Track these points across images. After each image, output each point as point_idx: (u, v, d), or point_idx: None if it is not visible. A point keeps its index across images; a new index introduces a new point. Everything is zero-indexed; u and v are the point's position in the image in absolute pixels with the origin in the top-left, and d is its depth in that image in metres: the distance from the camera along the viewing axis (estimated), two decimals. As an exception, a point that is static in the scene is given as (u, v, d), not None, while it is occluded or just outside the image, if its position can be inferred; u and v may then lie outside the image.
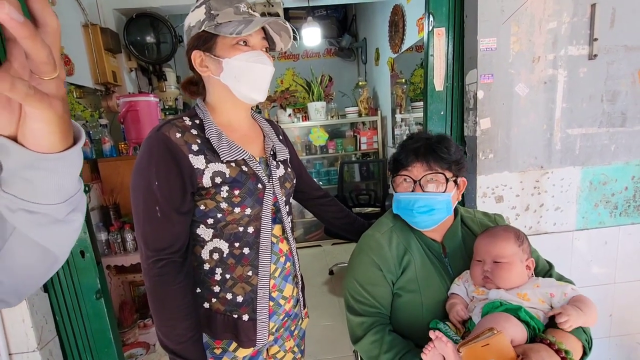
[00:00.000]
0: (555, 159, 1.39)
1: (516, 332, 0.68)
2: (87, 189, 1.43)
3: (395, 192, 0.90)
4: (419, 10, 2.36)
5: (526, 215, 1.43)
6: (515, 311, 0.72)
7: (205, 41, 0.77)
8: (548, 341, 0.68)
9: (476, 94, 1.30)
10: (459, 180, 0.89)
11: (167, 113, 2.78)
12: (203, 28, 0.75)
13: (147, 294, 0.76)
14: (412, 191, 0.85)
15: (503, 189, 1.39)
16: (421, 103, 1.53)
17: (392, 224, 0.94)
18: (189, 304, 0.76)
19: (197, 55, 0.78)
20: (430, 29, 1.34)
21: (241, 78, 0.76)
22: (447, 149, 0.86)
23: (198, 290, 0.82)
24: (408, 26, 2.88)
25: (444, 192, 0.84)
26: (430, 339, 0.73)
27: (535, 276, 0.85)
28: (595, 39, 1.28)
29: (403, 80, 3.20)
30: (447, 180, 0.85)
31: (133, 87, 2.65)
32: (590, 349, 0.76)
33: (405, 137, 0.95)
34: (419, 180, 0.84)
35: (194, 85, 0.87)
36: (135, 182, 0.74)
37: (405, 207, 0.86)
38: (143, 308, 2.28)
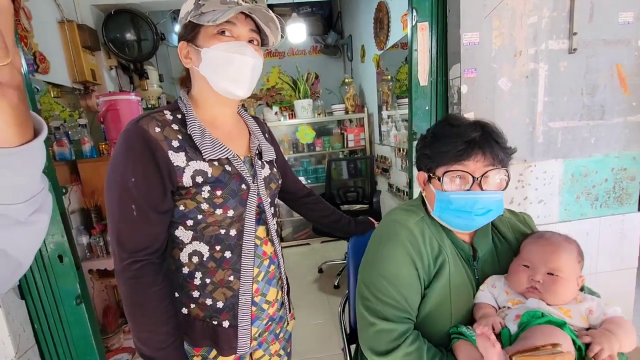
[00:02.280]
0: (538, 152, 1.41)
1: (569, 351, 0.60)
2: (65, 191, 1.37)
3: (441, 190, 0.74)
4: (403, 6, 2.36)
5: (510, 209, 1.45)
6: (559, 325, 0.64)
7: (190, 31, 0.74)
8: None
9: (460, 89, 1.31)
10: None
11: (149, 112, 2.72)
12: (188, 18, 0.73)
13: (122, 299, 0.71)
14: (469, 189, 0.71)
15: (488, 183, 1.41)
16: (407, 100, 1.54)
17: (424, 214, 0.81)
18: (169, 307, 0.72)
19: (183, 47, 0.76)
20: (413, 24, 1.34)
21: (218, 69, 0.73)
22: (503, 137, 0.75)
23: (176, 295, 0.79)
24: (392, 23, 2.89)
25: (502, 189, 0.73)
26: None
27: None
28: (575, 33, 1.30)
29: (389, 77, 3.21)
30: (508, 177, 0.74)
31: (113, 86, 2.58)
32: None
33: (436, 125, 0.80)
34: (480, 177, 0.70)
35: (189, 80, 0.83)
36: (109, 178, 0.70)
37: (459, 209, 0.72)
38: (128, 312, 2.22)
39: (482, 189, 0.71)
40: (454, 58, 1.33)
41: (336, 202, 3.13)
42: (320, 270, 3.02)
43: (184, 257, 0.77)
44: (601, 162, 1.47)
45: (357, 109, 3.69)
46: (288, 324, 0.98)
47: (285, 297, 0.94)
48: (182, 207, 0.74)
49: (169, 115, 0.75)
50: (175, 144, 0.71)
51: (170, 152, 0.70)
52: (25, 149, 0.33)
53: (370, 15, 3.30)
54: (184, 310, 0.79)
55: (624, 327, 0.65)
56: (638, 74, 1.40)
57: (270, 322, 0.89)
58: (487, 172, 0.71)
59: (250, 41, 0.76)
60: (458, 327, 0.74)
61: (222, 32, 0.73)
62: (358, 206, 3.16)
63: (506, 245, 0.82)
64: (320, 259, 3.22)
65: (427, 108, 1.41)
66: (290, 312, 0.98)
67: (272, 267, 0.87)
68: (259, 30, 0.77)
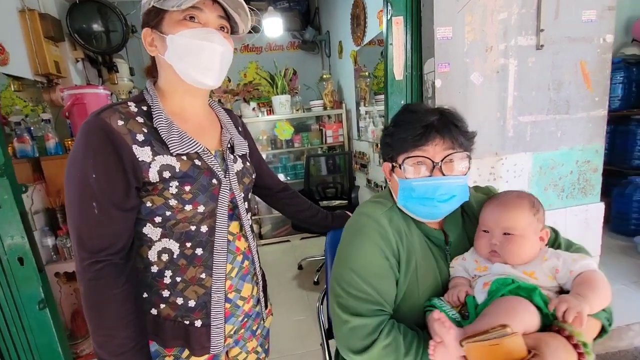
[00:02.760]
0: (509, 146, 1.45)
1: (531, 322, 0.58)
2: (24, 189, 1.29)
3: (403, 178, 0.73)
4: (379, 3, 2.38)
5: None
6: (529, 292, 0.62)
7: (154, 17, 0.71)
8: (567, 333, 0.57)
9: (434, 83, 1.33)
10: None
11: (120, 107, 2.60)
12: (152, 3, 0.69)
13: (82, 300, 0.67)
14: (430, 175, 0.71)
15: (461, 176, 1.44)
16: (384, 95, 1.55)
17: (391, 205, 0.80)
18: (130, 311, 0.69)
19: (147, 34, 0.72)
20: (389, 18, 1.34)
21: (185, 57, 0.70)
22: (462, 121, 0.74)
23: (145, 295, 0.75)
24: (369, 19, 2.90)
25: (464, 174, 0.72)
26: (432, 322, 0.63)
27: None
28: (542, 30, 1.35)
29: (366, 74, 3.23)
30: (469, 159, 0.73)
31: (80, 79, 2.45)
32: (610, 325, 0.66)
33: (397, 115, 0.78)
34: (441, 161, 0.70)
35: (156, 70, 0.79)
36: (69, 174, 0.66)
37: (422, 197, 0.71)
38: (99, 316, 2.13)
39: (443, 174, 0.70)
40: (428, 52, 1.35)
41: (315, 198, 3.12)
42: (300, 267, 3.01)
43: (152, 255, 0.74)
44: (567, 155, 1.53)
45: (335, 105, 3.70)
46: (265, 320, 0.96)
47: (261, 293, 0.92)
48: (149, 204, 0.71)
49: (133, 108, 0.71)
50: (140, 137, 0.68)
51: (134, 147, 0.67)
52: None
53: (348, 12, 3.31)
54: (154, 311, 0.76)
55: (592, 285, 0.61)
56: (600, 71, 1.47)
57: (246, 319, 0.87)
58: (447, 156, 0.70)
59: (221, 28, 0.73)
60: (431, 300, 0.74)
61: (189, 18, 0.70)
62: (337, 202, 3.16)
63: (476, 225, 0.81)
64: (300, 255, 3.21)
65: (402, 102, 1.43)
66: (267, 309, 0.97)
67: (246, 262, 0.84)
68: (228, 17, 0.75)
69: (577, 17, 1.38)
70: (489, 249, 0.72)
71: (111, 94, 2.38)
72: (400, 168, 0.73)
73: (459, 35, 1.31)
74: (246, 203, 0.86)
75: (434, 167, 0.70)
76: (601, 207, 1.62)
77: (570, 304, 0.58)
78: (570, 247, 0.77)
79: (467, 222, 0.82)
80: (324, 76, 3.72)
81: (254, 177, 0.91)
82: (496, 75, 1.37)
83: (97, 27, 2.39)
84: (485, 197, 0.84)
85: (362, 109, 3.29)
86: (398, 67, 1.37)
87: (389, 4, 1.33)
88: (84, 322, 1.96)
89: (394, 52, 1.36)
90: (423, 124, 0.70)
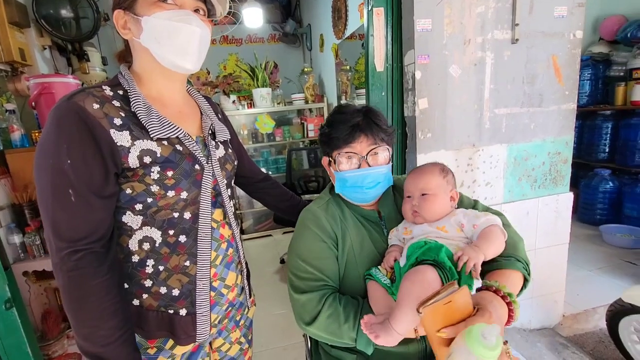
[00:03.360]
0: (485, 137, 1.49)
1: (432, 282, 0.67)
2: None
3: (338, 171, 0.86)
4: (360, -5, 2.38)
5: (461, 191, 1.52)
6: (437, 251, 0.71)
7: None
8: (494, 288, 0.67)
9: (414, 75, 1.34)
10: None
11: (91, 98, 2.49)
12: None
13: (61, 293, 0.64)
14: (359, 167, 0.84)
15: (440, 167, 1.47)
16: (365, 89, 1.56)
17: (328, 198, 0.94)
18: (114, 300, 0.66)
19: (119, 16, 0.69)
20: (370, 9, 1.34)
21: (162, 40, 0.67)
22: (382, 119, 0.86)
23: (126, 286, 0.73)
24: (350, 12, 2.90)
25: (387, 164, 0.86)
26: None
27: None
28: (517, 24, 1.39)
29: (347, 68, 3.23)
30: (389, 151, 0.86)
31: (48, 68, 2.32)
32: (529, 273, 0.77)
33: (330, 116, 0.91)
34: (366, 155, 0.83)
35: (129, 54, 0.76)
36: (39, 163, 0.62)
37: (354, 185, 0.85)
38: (73, 315, 2.04)
39: (369, 165, 0.84)
40: (408, 44, 1.36)
41: (297, 192, 3.11)
42: (282, 261, 3.00)
43: (133, 244, 0.71)
44: (539, 146, 1.59)
45: (316, 98, 3.68)
46: (248, 310, 0.95)
47: (245, 281, 0.91)
48: (129, 191, 0.68)
49: (108, 91, 0.68)
50: (117, 122, 0.65)
51: (112, 131, 0.64)
52: None
53: (329, 4, 3.29)
54: (135, 302, 0.73)
55: (487, 237, 0.74)
56: (570, 65, 1.53)
57: (230, 308, 0.86)
58: (371, 150, 0.83)
59: (196, 10, 0.71)
60: (369, 270, 0.85)
61: (164, 0, 0.67)
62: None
63: None
64: (282, 249, 3.20)
65: (383, 94, 1.43)
66: (250, 298, 0.96)
67: (230, 250, 0.83)
68: None
69: (549, 13, 1.43)
70: (411, 210, 0.84)
71: (82, 84, 2.27)
72: (335, 162, 0.86)
73: (438, 27, 1.32)
74: (229, 190, 0.84)
75: (361, 160, 0.83)
76: (570, 196, 1.69)
77: (470, 255, 0.69)
78: (487, 210, 0.90)
79: (398, 200, 0.95)
80: (305, 69, 3.70)
81: (236, 163, 0.90)
82: (474, 67, 1.40)
83: (65, 12, 2.27)
84: None
85: (344, 103, 3.29)
86: (379, 58, 1.38)
87: (369, -6, 1.33)
88: (56, 322, 1.89)
89: (375, 44, 1.37)
90: (350, 124, 0.83)
